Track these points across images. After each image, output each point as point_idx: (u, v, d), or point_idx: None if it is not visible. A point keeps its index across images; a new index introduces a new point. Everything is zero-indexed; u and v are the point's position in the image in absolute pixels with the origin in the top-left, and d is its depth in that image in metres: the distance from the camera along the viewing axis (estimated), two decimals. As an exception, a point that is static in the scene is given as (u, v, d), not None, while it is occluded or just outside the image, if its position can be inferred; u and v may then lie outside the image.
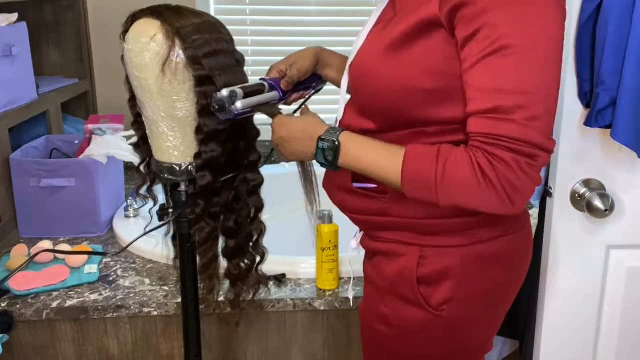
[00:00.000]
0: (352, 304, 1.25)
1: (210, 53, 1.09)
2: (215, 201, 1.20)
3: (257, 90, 1.15)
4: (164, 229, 1.32)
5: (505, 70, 0.89)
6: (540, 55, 0.89)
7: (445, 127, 0.99)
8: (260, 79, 1.21)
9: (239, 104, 1.08)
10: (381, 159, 0.98)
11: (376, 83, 1.00)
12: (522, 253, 1.12)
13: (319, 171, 1.13)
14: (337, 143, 1.00)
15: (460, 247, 1.03)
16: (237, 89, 1.09)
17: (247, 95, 1.11)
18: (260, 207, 1.26)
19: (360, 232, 1.17)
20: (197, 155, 1.16)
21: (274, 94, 1.18)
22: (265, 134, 1.22)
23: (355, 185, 1.07)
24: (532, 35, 0.88)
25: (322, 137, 1.02)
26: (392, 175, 0.96)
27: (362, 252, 1.19)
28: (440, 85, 0.95)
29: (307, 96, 1.30)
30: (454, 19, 0.91)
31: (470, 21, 0.89)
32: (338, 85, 1.23)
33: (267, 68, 2.75)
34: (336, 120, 1.15)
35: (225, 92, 1.08)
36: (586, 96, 1.23)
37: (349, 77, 1.09)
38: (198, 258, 1.25)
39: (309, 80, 1.28)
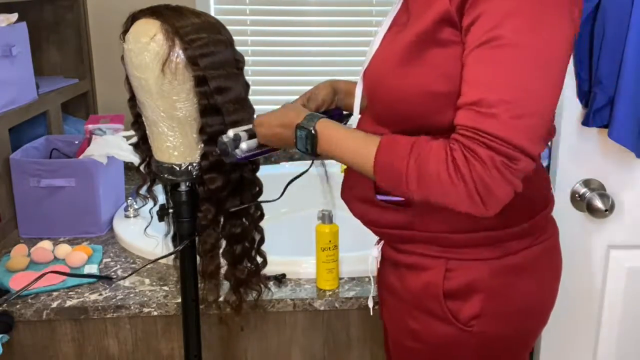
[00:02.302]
0: (371, 313, 1.24)
1: (209, 53, 1.09)
2: (223, 207, 1.20)
3: None
4: (164, 229, 1.32)
5: (495, 62, 0.84)
6: (537, 52, 0.84)
7: None
8: None
9: (243, 145, 1.08)
10: (358, 146, 0.95)
11: (392, 90, 0.97)
12: (551, 264, 1.08)
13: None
14: (313, 131, 0.99)
15: (487, 260, 1.00)
16: (241, 132, 1.08)
17: (252, 136, 1.10)
18: (262, 212, 1.27)
19: (381, 241, 1.14)
20: (203, 157, 1.16)
21: None
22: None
23: (379, 197, 1.04)
24: (531, 30, 0.83)
25: (299, 125, 1.01)
26: (367, 163, 0.93)
27: (364, 252, 1.17)
28: (457, 88, 0.91)
29: None
30: (464, 10, 0.87)
31: (473, 9, 0.86)
32: None
33: (267, 68, 2.74)
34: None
35: (230, 133, 1.07)
36: (585, 96, 1.23)
37: (363, 85, 1.06)
38: (199, 262, 1.25)
39: (329, 114, 1.25)
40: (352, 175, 1.11)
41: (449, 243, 1.00)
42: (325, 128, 0.99)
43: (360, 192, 1.07)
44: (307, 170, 1.13)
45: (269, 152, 1.14)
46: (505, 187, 0.85)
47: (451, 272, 1.00)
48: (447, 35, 0.90)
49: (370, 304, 1.21)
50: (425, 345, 1.05)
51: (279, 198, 1.22)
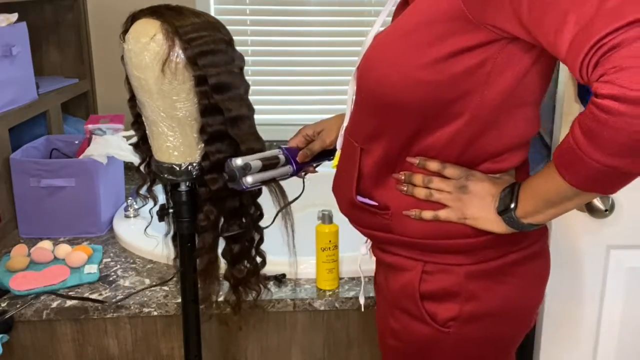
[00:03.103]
0: (362, 309, 1.25)
1: (209, 53, 1.09)
2: (223, 207, 1.20)
3: (271, 163, 1.14)
4: (164, 228, 1.32)
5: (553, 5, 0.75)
6: None
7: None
8: (279, 148, 1.18)
9: (249, 179, 1.08)
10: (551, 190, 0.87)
11: (384, 74, 0.91)
12: (535, 269, 1.04)
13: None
14: (514, 184, 0.93)
15: (463, 265, 0.98)
16: (252, 162, 1.09)
17: (261, 167, 1.10)
18: (261, 212, 1.27)
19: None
20: (204, 157, 1.16)
21: (285, 170, 1.17)
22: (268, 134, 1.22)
23: (359, 199, 1.03)
24: None
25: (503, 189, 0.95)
26: (569, 189, 0.83)
27: (365, 254, 1.17)
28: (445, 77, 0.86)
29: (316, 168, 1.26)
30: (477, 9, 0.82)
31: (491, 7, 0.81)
32: None
33: (267, 68, 2.74)
34: (342, 128, 1.09)
35: (239, 162, 1.07)
36: (585, 96, 1.23)
37: (355, 82, 1.00)
38: (198, 261, 1.25)
39: (333, 149, 1.24)
40: (339, 174, 1.10)
41: (424, 248, 1.00)
42: (526, 181, 0.92)
43: (346, 192, 1.06)
44: (301, 194, 1.19)
45: (273, 181, 1.16)
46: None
47: (428, 274, 1.00)
48: (451, 26, 0.85)
49: (362, 300, 1.22)
50: (405, 344, 1.05)
51: (271, 224, 1.25)
